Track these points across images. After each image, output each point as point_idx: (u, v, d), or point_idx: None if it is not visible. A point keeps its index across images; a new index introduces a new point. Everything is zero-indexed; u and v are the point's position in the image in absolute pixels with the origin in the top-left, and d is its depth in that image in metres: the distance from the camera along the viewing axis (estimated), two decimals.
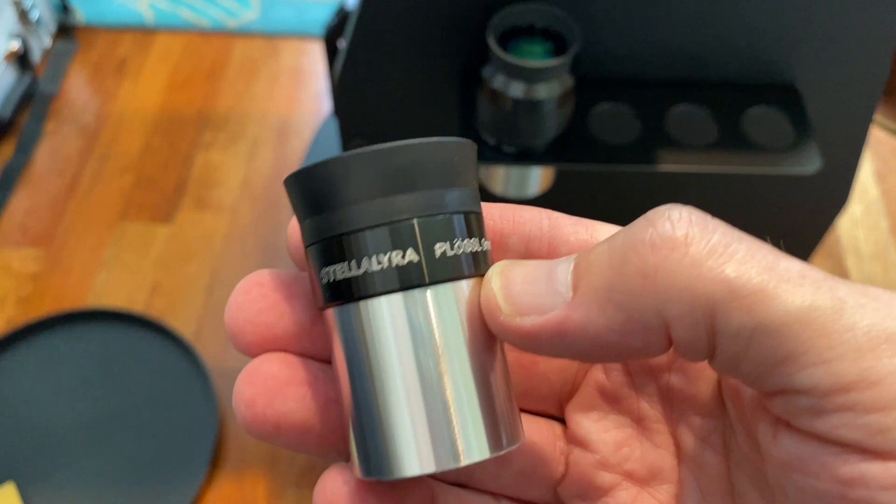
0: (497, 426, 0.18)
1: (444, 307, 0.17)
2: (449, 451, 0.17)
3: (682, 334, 0.16)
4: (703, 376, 0.21)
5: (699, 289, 0.15)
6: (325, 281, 0.18)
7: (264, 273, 0.19)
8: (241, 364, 0.66)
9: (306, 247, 0.18)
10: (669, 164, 0.46)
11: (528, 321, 0.17)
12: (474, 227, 0.18)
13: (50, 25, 0.90)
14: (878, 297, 0.15)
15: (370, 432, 0.17)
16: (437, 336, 0.17)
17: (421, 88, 0.49)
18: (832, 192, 0.53)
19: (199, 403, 0.65)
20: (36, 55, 0.88)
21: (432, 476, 0.20)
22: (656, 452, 0.21)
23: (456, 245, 0.17)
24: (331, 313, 0.18)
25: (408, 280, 0.17)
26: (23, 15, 0.85)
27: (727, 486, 0.20)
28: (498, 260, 0.19)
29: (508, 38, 0.44)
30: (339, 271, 0.17)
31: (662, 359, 0.21)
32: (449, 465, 0.17)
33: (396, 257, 0.17)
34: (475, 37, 0.45)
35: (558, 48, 0.44)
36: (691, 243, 0.15)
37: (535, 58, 0.44)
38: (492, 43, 0.43)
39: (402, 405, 0.17)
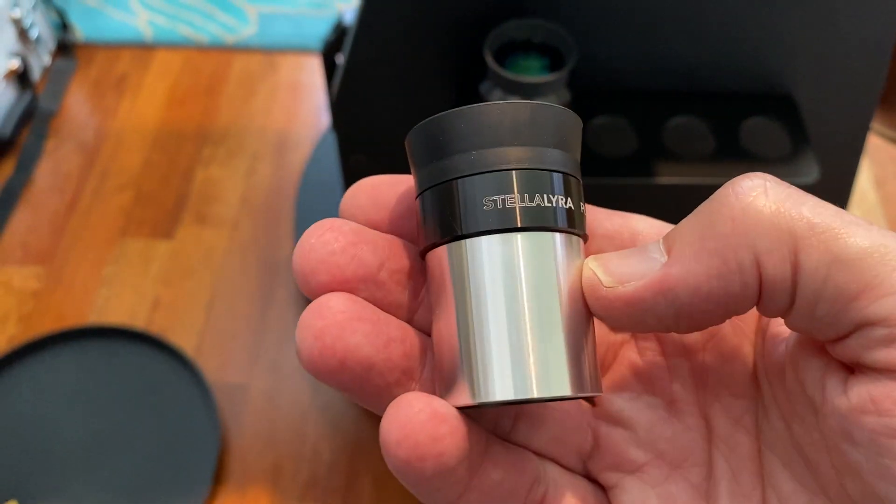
0: (582, 371, 0.19)
1: (533, 251, 0.19)
2: (530, 384, 0.18)
3: (772, 271, 0.17)
4: (738, 356, 0.21)
5: (783, 224, 0.17)
6: (435, 221, 0.19)
7: (336, 220, 0.20)
8: (242, 380, 0.66)
9: (421, 192, 0.20)
10: (667, 177, 0.46)
11: (631, 286, 0.18)
12: (572, 188, 0.19)
13: (49, 43, 0.91)
14: None
15: (465, 361, 0.19)
16: (527, 277, 0.19)
17: (419, 104, 0.49)
18: (830, 200, 0.53)
19: (201, 419, 0.65)
20: (35, 73, 0.88)
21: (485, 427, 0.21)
22: (687, 434, 0.22)
23: (552, 198, 0.19)
24: (437, 252, 0.19)
25: (505, 223, 0.18)
26: (22, 33, 0.85)
27: (757, 467, 0.21)
28: None
29: (505, 54, 0.44)
30: (449, 212, 0.19)
31: (698, 338, 0.22)
32: (528, 396, 0.18)
33: (497, 202, 0.18)
34: (472, 52, 0.45)
35: (555, 63, 0.44)
36: (770, 190, 0.17)
37: (532, 73, 0.44)
38: (489, 58, 0.43)
39: (493, 337, 0.18)
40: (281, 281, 0.75)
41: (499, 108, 0.19)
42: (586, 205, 0.22)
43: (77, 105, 0.88)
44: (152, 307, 0.73)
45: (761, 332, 0.21)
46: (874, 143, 0.81)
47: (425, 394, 0.19)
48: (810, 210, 0.17)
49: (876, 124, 0.51)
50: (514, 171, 0.19)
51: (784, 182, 0.18)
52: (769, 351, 0.21)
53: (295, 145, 0.84)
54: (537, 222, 0.19)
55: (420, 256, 0.21)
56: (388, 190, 0.21)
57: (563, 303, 0.19)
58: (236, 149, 0.84)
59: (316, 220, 0.72)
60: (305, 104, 0.88)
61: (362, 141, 0.51)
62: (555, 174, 0.19)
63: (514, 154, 0.19)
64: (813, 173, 0.47)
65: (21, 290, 0.74)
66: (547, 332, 0.19)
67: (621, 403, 0.22)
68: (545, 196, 0.19)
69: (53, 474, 0.63)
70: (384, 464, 0.72)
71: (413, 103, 0.49)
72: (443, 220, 0.19)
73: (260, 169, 0.83)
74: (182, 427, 0.65)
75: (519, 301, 0.18)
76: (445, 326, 0.19)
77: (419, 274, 0.21)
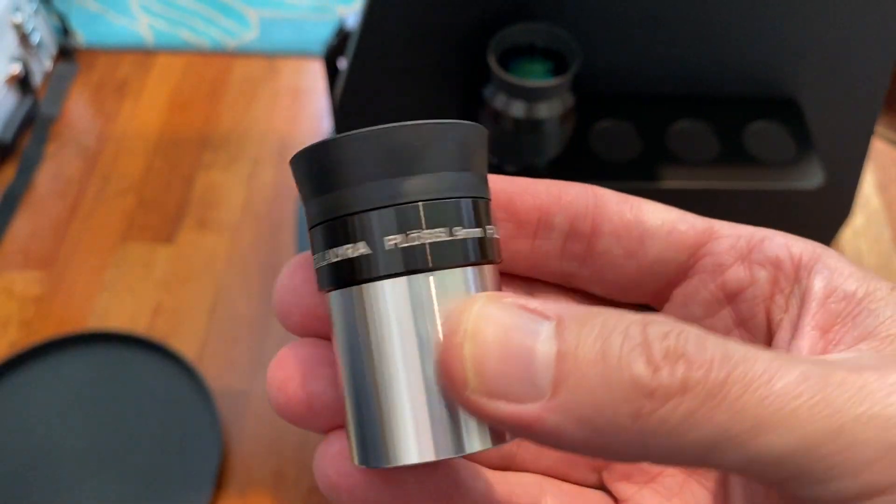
0: None
1: (445, 293, 0.17)
2: (449, 440, 0.17)
3: (665, 463, 0.16)
4: None
5: (690, 436, 0.15)
6: (326, 263, 0.17)
7: (309, 255, 0.19)
8: (243, 385, 0.66)
9: (310, 228, 0.18)
10: (671, 181, 0.46)
11: (498, 408, 0.16)
12: (482, 213, 0.17)
13: (50, 48, 0.91)
14: (876, 401, 0.15)
15: (368, 419, 0.17)
16: (438, 323, 0.16)
17: (422, 109, 0.49)
18: (835, 205, 0.53)
19: (203, 424, 0.65)
20: (37, 78, 0.88)
21: (471, 458, 0.20)
22: None
23: (461, 231, 0.17)
24: (332, 296, 0.17)
25: (410, 264, 0.16)
26: (23, 38, 0.85)
27: None
28: (547, 237, 0.20)
29: (509, 58, 0.44)
30: (341, 253, 0.17)
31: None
32: (448, 455, 0.17)
33: (399, 240, 0.16)
34: (476, 57, 0.45)
35: (559, 67, 0.44)
36: (687, 390, 0.15)
37: (535, 77, 0.44)
38: (493, 63, 0.43)
39: (401, 392, 0.17)
40: None
41: (395, 132, 0.17)
42: (598, 189, 0.20)
43: (78, 110, 0.88)
44: (154, 312, 0.73)
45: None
46: (877, 148, 0.81)
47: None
48: (728, 410, 0.15)
49: (880, 128, 0.51)
50: (419, 204, 0.16)
51: (710, 344, 0.15)
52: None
53: (296, 150, 0.84)
54: (445, 261, 0.17)
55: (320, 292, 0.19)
56: None
57: None
58: (238, 154, 0.84)
59: None
60: (307, 109, 0.88)
61: None
62: (462, 201, 0.17)
63: (416, 184, 0.16)
64: (817, 177, 0.46)
65: (22, 295, 0.74)
66: None
67: None
68: (453, 229, 0.17)
69: (55, 479, 0.63)
70: None
71: (417, 108, 0.49)
72: (337, 262, 0.17)
73: (261, 174, 0.82)
74: (183, 433, 0.65)
75: (428, 351, 0.17)
76: (351, 385, 0.17)
77: None
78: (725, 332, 0.21)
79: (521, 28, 0.44)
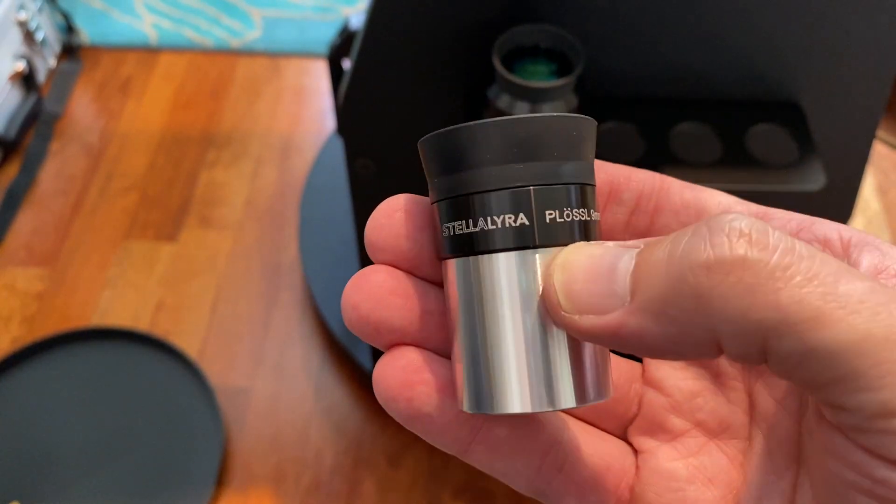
0: (584, 380, 0.20)
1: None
2: (544, 397, 0.19)
3: (734, 351, 0.16)
4: None
5: (752, 315, 0.15)
6: (447, 234, 0.20)
7: (407, 198, 0.21)
8: (245, 383, 0.66)
9: (434, 202, 0.20)
10: None
11: (587, 321, 0.18)
12: (587, 198, 0.20)
13: (55, 46, 0.91)
14: None
15: (478, 373, 0.20)
16: (538, 293, 0.19)
17: (426, 109, 0.49)
18: (835, 208, 0.53)
19: (205, 422, 0.65)
20: (41, 75, 0.88)
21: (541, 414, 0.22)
22: (729, 408, 0.22)
23: (567, 213, 0.19)
24: (450, 264, 0.20)
25: (521, 241, 0.19)
26: (28, 35, 0.85)
27: (795, 450, 0.21)
28: (614, 211, 0.21)
29: (513, 59, 0.44)
30: (461, 227, 0.19)
31: None
32: (543, 409, 0.19)
33: (513, 219, 0.19)
34: (480, 57, 0.45)
35: (563, 68, 0.44)
36: (748, 267, 0.16)
37: (539, 78, 0.44)
38: (497, 63, 0.43)
39: (507, 353, 0.19)
40: (284, 284, 0.75)
41: (514, 123, 0.19)
42: (665, 176, 0.22)
43: (82, 107, 0.89)
44: (156, 309, 0.73)
45: None
46: (878, 152, 0.81)
47: (416, 348, 0.20)
48: (791, 294, 0.15)
49: (881, 132, 0.51)
50: (527, 188, 0.19)
51: (775, 238, 0.16)
52: None
53: (299, 149, 0.85)
54: (552, 240, 0.19)
55: (438, 260, 0.21)
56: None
57: None
58: (241, 152, 0.84)
59: (320, 225, 0.72)
60: (310, 108, 0.89)
61: (369, 145, 0.51)
62: (570, 187, 0.19)
63: (529, 170, 0.19)
64: (819, 180, 0.47)
65: (25, 291, 0.74)
66: (557, 348, 0.19)
67: (667, 370, 0.22)
68: (560, 211, 0.19)
69: (56, 475, 0.63)
70: (387, 469, 0.72)
71: (421, 108, 0.49)
72: (458, 235, 0.19)
73: (264, 172, 0.83)
74: (185, 430, 0.65)
75: (531, 319, 0.19)
76: (464, 343, 0.20)
77: None
78: None
79: (525, 29, 0.44)
